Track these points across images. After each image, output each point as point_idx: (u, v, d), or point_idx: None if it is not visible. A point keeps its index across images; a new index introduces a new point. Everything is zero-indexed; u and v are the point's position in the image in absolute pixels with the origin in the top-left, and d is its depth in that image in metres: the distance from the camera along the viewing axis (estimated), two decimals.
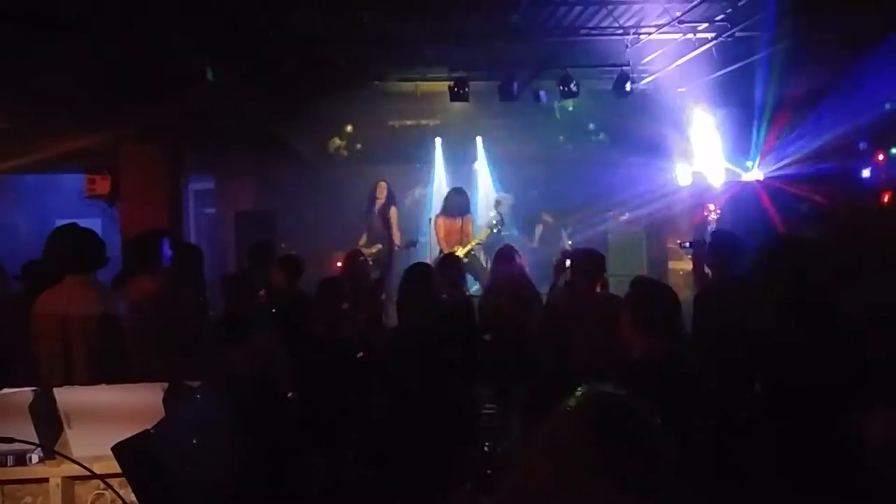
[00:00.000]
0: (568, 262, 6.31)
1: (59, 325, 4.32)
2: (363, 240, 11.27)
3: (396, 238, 11.02)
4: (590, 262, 5.85)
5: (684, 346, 3.77)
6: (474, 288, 10.65)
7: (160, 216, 8.90)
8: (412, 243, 11.19)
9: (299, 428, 3.33)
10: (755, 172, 10.74)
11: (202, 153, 11.55)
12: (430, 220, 12.40)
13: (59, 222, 5.65)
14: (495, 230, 10.88)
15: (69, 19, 6.47)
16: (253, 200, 13.41)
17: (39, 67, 7.51)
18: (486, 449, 3.43)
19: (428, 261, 8.72)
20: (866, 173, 9.17)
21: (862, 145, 9.14)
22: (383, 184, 11.46)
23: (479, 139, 14.03)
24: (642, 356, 3.45)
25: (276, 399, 3.80)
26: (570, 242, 12.13)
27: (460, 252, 10.29)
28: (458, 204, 10.79)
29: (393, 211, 11.22)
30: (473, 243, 10.58)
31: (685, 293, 8.02)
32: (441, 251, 10.30)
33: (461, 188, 11.33)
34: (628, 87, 10.25)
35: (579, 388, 1.86)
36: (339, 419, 3.89)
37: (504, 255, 6.71)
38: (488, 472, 3.18)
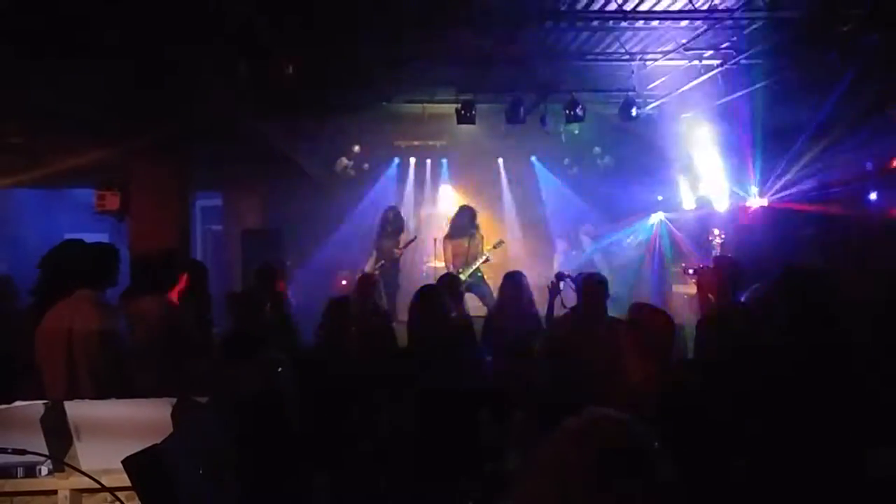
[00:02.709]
0: (562, 285, 6.37)
1: (62, 340, 4.38)
2: (371, 261, 11.36)
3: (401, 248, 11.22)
4: (592, 284, 5.90)
5: (683, 371, 3.81)
6: (478, 306, 10.72)
7: (168, 232, 8.93)
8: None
9: (304, 445, 3.37)
10: (760, 197, 10.79)
11: (210, 170, 11.62)
12: (434, 240, 12.52)
13: (68, 237, 5.72)
14: (497, 247, 10.94)
15: (81, 40, 6.56)
16: (260, 218, 13.47)
17: (51, 85, 7.59)
18: (487, 470, 3.47)
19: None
20: (873, 196, 9.19)
21: (868, 166, 9.16)
22: (391, 210, 11.60)
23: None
24: (642, 380, 3.49)
25: (280, 416, 3.83)
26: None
27: (464, 273, 10.36)
28: (464, 224, 10.85)
29: (403, 236, 11.36)
30: (479, 263, 10.63)
31: (688, 317, 8.07)
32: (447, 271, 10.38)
33: (467, 206, 11.41)
34: (634, 111, 10.32)
35: (580, 411, 1.89)
36: (342, 437, 3.93)
37: (512, 280, 6.77)
38: (490, 492, 3.22)
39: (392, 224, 11.46)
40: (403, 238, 11.48)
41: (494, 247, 10.94)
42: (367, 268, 11.09)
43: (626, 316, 3.89)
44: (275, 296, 6.66)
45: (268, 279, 6.91)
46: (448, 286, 6.61)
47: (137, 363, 4.63)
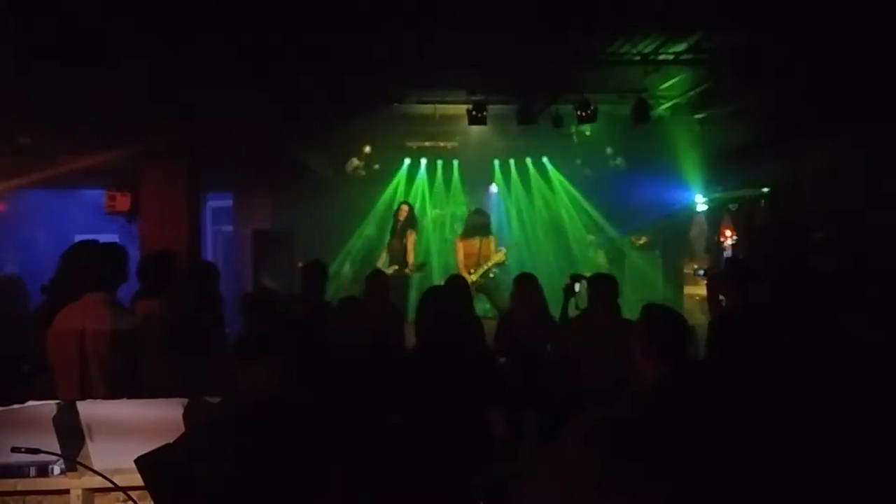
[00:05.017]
0: (577, 286, 6.36)
1: (74, 341, 4.41)
2: (382, 260, 11.39)
3: (410, 260, 11.14)
4: (603, 286, 5.90)
5: (696, 372, 3.79)
6: (486, 307, 10.75)
7: (178, 233, 8.96)
8: (421, 267, 11.37)
9: (316, 445, 3.37)
10: (771, 197, 10.75)
11: (221, 171, 11.65)
12: (447, 240, 12.57)
13: (79, 237, 5.75)
14: (510, 250, 10.96)
15: (93, 45, 6.58)
16: (270, 219, 13.50)
17: (62, 86, 7.62)
18: (498, 469, 3.47)
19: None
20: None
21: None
22: (405, 206, 11.61)
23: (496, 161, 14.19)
24: (653, 382, 3.47)
25: (292, 417, 3.84)
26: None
27: (475, 274, 10.40)
28: (477, 225, 10.91)
29: (410, 234, 11.35)
30: (490, 264, 10.65)
31: (700, 318, 8.06)
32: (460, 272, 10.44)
33: (481, 209, 11.46)
34: (646, 112, 10.29)
35: (590, 411, 1.89)
36: (354, 438, 3.94)
37: (524, 280, 6.77)
38: (501, 492, 3.22)
39: (403, 222, 11.47)
40: (412, 237, 11.48)
41: (507, 250, 10.96)
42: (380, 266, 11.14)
43: (639, 316, 3.85)
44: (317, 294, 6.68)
45: (317, 277, 6.89)
46: (456, 287, 6.62)
47: (149, 363, 4.66)
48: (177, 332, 5.08)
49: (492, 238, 10.95)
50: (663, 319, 3.72)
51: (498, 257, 10.76)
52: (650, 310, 3.88)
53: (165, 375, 4.75)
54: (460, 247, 10.97)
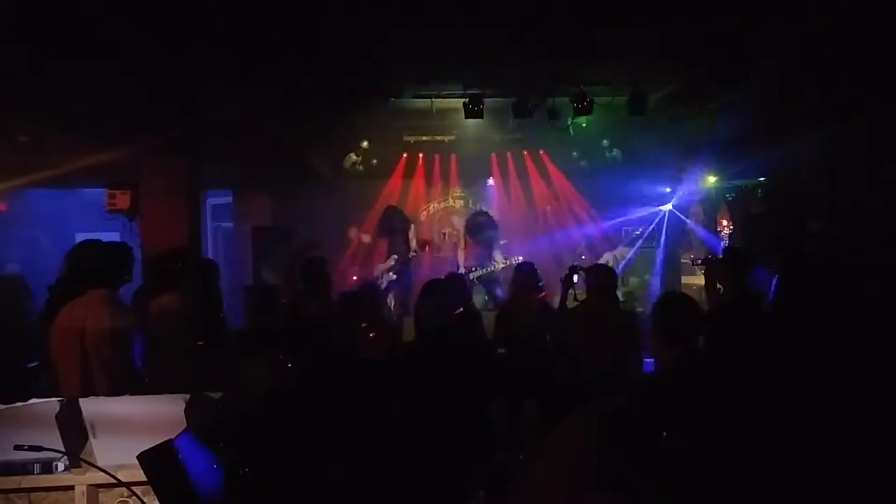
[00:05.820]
0: (576, 277, 6.40)
1: (75, 338, 4.45)
2: (390, 260, 11.48)
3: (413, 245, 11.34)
4: (602, 276, 5.93)
5: (697, 366, 3.84)
6: (484, 300, 10.78)
7: (179, 230, 8.95)
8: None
9: (317, 440, 3.40)
10: (767, 187, 10.77)
11: (220, 168, 11.65)
12: (443, 234, 12.59)
13: (80, 236, 5.78)
14: (512, 262, 10.96)
15: (92, 41, 6.59)
16: (270, 215, 13.51)
17: (61, 84, 7.62)
18: (498, 459, 3.50)
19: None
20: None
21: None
22: (391, 210, 11.68)
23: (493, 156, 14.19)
24: (665, 366, 3.56)
25: (292, 413, 3.86)
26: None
27: (475, 274, 10.45)
28: (479, 226, 10.97)
29: (409, 227, 11.44)
30: (491, 266, 10.68)
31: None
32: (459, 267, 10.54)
33: (484, 211, 11.52)
34: (642, 104, 10.28)
35: (590, 400, 1.90)
36: (354, 431, 3.97)
37: (523, 271, 6.80)
38: (501, 482, 3.24)
39: (391, 224, 11.56)
40: (412, 230, 11.58)
41: (508, 262, 10.95)
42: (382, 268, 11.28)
43: (654, 305, 4.01)
44: (323, 291, 6.71)
45: (316, 275, 6.92)
46: (455, 282, 6.66)
47: (166, 357, 4.72)
48: (193, 326, 5.16)
49: (493, 235, 10.98)
50: (672, 305, 3.89)
51: (497, 265, 10.77)
52: (663, 296, 4.07)
53: (185, 369, 4.82)
54: (463, 244, 11.04)
